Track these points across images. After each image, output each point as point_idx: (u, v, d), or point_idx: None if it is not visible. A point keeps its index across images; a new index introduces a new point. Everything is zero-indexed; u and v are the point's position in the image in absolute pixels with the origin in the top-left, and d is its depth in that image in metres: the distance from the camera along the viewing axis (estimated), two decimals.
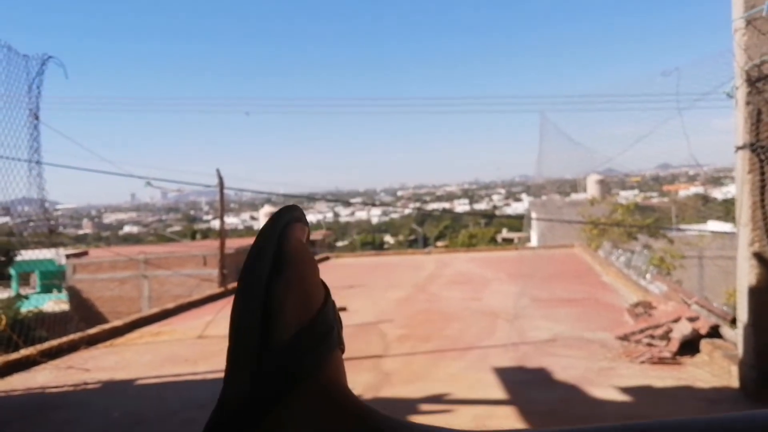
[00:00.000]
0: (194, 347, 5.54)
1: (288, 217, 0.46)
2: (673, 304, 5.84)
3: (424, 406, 3.50)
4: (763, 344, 3.47)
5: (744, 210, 3.54)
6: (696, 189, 31.51)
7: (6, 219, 5.57)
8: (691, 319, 4.90)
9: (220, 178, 9.52)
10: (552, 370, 4.18)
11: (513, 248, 15.90)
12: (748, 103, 3.50)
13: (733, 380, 3.71)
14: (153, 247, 19.65)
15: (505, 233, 35.79)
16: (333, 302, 0.48)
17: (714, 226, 14.66)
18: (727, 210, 14.19)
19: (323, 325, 0.45)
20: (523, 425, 3.11)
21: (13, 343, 5.05)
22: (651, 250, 11.55)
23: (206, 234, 36.14)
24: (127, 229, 66.62)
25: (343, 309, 6.82)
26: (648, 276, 8.00)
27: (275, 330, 0.43)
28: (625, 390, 3.68)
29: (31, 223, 5.53)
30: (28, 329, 5.40)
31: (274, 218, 0.45)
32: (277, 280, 0.43)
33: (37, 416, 3.63)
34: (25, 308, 12.56)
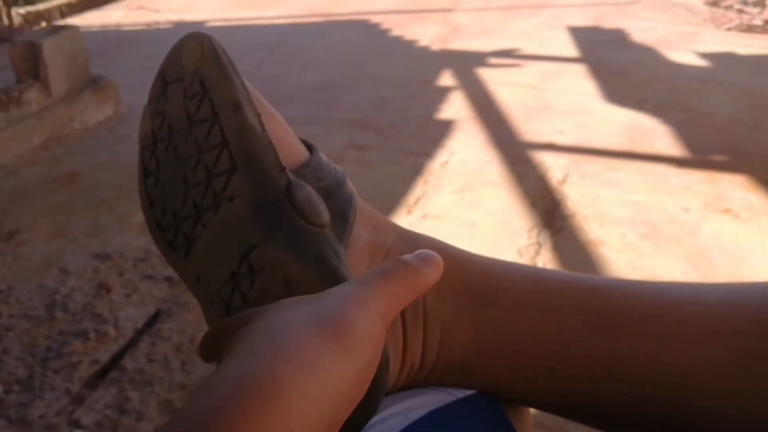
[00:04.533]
0: None
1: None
2: None
3: (492, 60, 3.47)
4: None
5: None
6: None
7: None
8: None
9: None
10: (630, 32, 3.99)
11: None
12: None
13: None
14: None
15: None
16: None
17: None
18: None
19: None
20: (591, 83, 3.09)
21: None
22: None
23: None
24: None
25: None
26: None
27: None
28: (704, 55, 3.53)
29: None
30: None
31: None
32: None
33: (118, 51, 3.79)
34: None
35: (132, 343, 1.48)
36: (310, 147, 0.40)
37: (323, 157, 0.40)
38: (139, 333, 1.51)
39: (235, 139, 0.33)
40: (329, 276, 0.33)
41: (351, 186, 0.40)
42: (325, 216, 0.34)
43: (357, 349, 0.25)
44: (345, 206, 0.37)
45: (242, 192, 0.33)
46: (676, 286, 0.37)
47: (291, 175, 0.35)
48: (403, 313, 0.37)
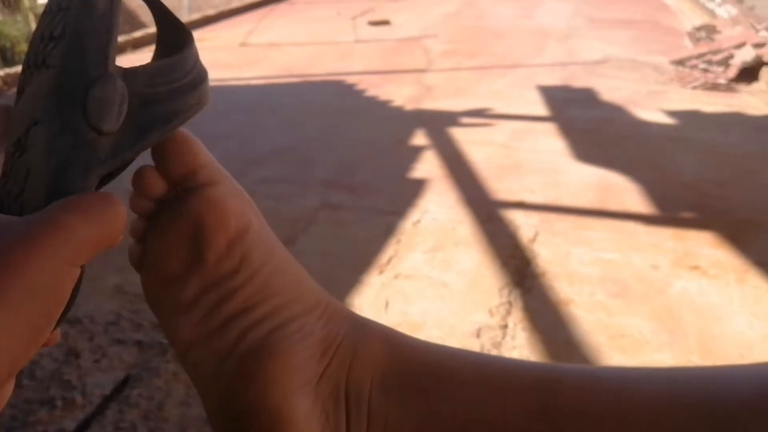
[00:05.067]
0: (237, 54, 5.55)
1: None
2: (740, 29, 5.47)
3: (465, 119, 3.56)
4: None
5: None
6: None
7: None
8: (757, 46, 4.62)
9: None
10: (599, 90, 4.12)
11: None
12: None
13: None
14: None
15: None
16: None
17: None
18: None
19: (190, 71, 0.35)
20: (561, 141, 3.16)
21: None
22: None
23: None
24: None
25: (386, 22, 6.60)
26: None
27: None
28: (672, 113, 3.64)
29: None
30: None
31: None
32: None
33: None
34: None
35: (99, 411, 1.45)
36: (184, 40, 0.36)
37: (189, 57, 0.35)
38: (107, 400, 1.48)
39: (76, 9, 0.31)
40: (56, 190, 0.31)
41: (191, 103, 0.35)
42: (108, 125, 0.31)
43: (30, 303, 0.24)
44: (154, 123, 0.33)
45: (55, 64, 0.31)
46: (618, 374, 0.38)
47: (114, 69, 0.32)
48: (347, 411, 0.37)
